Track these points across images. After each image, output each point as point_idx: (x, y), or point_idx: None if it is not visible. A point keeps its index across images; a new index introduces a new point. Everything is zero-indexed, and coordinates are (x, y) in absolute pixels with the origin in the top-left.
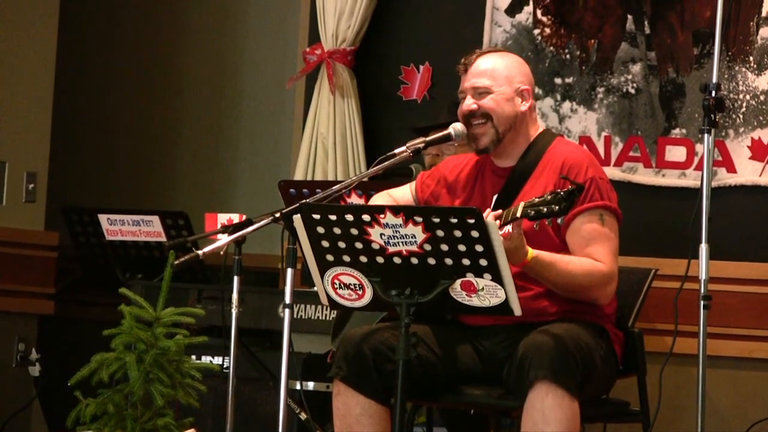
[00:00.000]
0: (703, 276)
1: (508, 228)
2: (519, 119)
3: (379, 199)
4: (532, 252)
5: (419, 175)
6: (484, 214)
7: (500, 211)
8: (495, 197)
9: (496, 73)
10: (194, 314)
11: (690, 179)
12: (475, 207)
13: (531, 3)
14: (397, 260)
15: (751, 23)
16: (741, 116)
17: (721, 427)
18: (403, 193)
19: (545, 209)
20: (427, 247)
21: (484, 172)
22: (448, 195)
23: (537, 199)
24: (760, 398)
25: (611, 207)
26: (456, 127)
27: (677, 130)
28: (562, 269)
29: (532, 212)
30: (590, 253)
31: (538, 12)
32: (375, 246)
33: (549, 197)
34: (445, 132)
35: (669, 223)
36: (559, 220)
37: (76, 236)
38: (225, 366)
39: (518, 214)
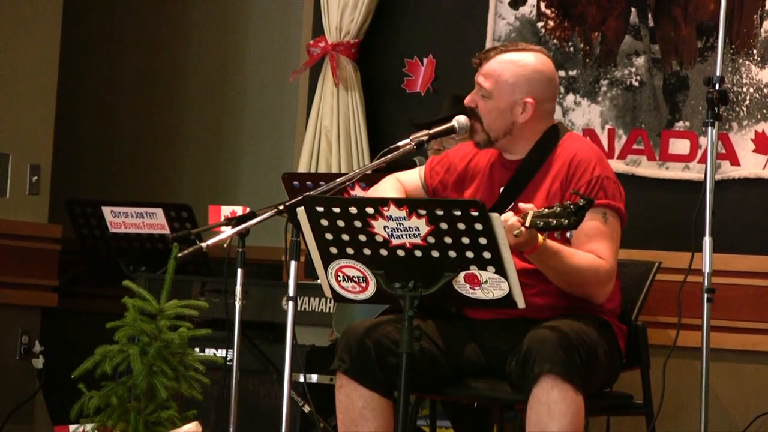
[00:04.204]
0: (706, 269)
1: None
2: (517, 127)
3: (387, 182)
4: (541, 238)
5: (429, 160)
6: (504, 215)
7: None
8: (501, 189)
9: (501, 80)
10: (198, 307)
11: (693, 172)
12: (478, 199)
13: None
14: (400, 253)
15: (755, 16)
16: (744, 109)
17: (724, 419)
18: (412, 178)
19: (554, 222)
20: (431, 239)
21: (494, 164)
22: (456, 184)
23: (547, 210)
24: (764, 391)
25: (614, 206)
26: (460, 120)
27: (681, 123)
28: (567, 260)
29: (541, 223)
30: (592, 249)
31: (542, 5)
32: (379, 238)
33: (559, 209)
34: (448, 125)
35: (672, 216)
36: (568, 234)
37: (79, 228)
38: (228, 359)
39: (527, 225)
